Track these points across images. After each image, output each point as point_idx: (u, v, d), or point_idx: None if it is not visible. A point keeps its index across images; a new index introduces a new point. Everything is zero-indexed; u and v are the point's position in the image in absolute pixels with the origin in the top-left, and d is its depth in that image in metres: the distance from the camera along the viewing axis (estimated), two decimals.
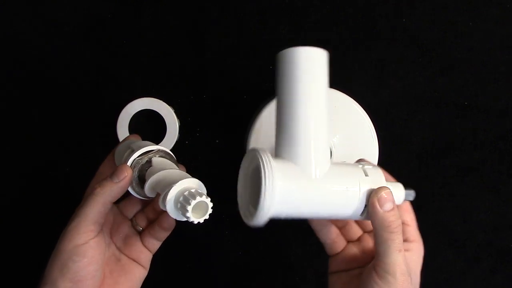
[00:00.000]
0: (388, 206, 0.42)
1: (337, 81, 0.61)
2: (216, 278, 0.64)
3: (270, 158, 0.41)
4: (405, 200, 0.46)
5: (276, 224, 0.64)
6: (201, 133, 0.63)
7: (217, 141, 0.63)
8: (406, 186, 0.63)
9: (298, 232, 0.63)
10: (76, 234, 0.44)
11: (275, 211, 0.41)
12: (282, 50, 0.42)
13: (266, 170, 0.40)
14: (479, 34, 0.62)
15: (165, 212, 0.50)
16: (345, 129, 0.58)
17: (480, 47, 0.62)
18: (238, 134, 0.62)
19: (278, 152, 0.44)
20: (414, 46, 0.62)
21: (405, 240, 0.46)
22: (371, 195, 0.43)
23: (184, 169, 0.52)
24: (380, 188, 0.43)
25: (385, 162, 0.60)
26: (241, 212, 0.45)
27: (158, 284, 0.55)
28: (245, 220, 0.43)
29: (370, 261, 0.46)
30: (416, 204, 0.63)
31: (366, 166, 0.44)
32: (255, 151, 0.42)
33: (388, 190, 0.43)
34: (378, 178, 0.44)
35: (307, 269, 0.63)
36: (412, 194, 0.46)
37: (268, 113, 0.57)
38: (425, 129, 0.62)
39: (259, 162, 0.41)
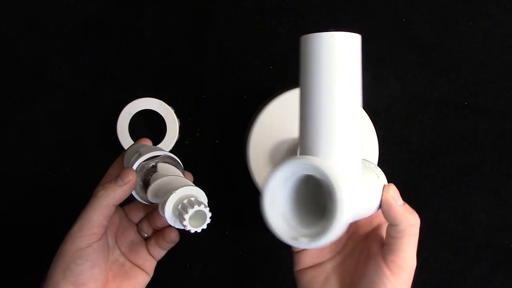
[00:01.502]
0: (401, 201, 0.42)
1: None
2: (216, 278, 0.64)
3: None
4: None
5: None
6: (201, 133, 0.63)
7: (217, 141, 0.63)
8: (406, 186, 0.63)
9: None
10: (79, 237, 0.44)
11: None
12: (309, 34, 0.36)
13: (336, 181, 0.34)
14: (479, 34, 0.62)
15: (168, 225, 0.50)
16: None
17: (480, 47, 0.62)
18: (238, 134, 0.62)
19: (308, 149, 0.37)
20: (414, 46, 0.62)
21: None
22: (384, 192, 0.42)
23: (191, 176, 0.52)
24: (390, 185, 0.43)
25: (385, 162, 0.60)
26: (287, 237, 0.36)
27: (157, 284, 0.55)
28: (299, 245, 0.36)
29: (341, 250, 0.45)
30: (416, 204, 0.63)
31: (372, 165, 0.44)
32: (306, 160, 0.35)
33: (395, 187, 0.43)
34: (383, 176, 0.44)
35: None
36: None
37: (268, 113, 0.57)
38: (425, 129, 0.62)
39: (325, 173, 0.34)
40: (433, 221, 0.63)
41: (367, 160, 0.47)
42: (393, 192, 0.42)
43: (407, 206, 0.42)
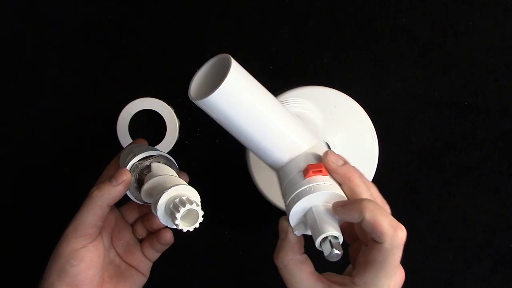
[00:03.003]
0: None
1: (337, 81, 0.61)
2: (216, 278, 0.64)
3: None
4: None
5: (276, 224, 0.64)
6: (201, 133, 0.63)
7: (217, 141, 0.63)
8: (406, 186, 0.63)
9: None
10: (73, 238, 0.44)
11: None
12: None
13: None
14: (479, 34, 0.62)
15: (163, 227, 0.50)
16: (345, 129, 0.58)
17: (480, 47, 0.62)
18: None
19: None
20: (414, 46, 0.62)
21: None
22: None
23: (186, 176, 0.52)
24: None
25: (385, 162, 0.60)
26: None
27: (157, 284, 0.55)
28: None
29: None
30: (416, 204, 0.63)
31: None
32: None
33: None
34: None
35: None
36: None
37: None
38: (425, 129, 0.62)
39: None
40: (433, 221, 0.63)
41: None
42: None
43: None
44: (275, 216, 0.62)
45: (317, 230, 0.39)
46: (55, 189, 0.63)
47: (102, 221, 0.45)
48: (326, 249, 0.38)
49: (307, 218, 0.40)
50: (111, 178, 0.45)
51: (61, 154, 0.63)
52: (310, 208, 0.40)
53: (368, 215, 0.37)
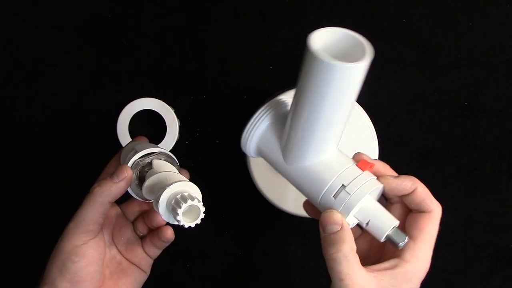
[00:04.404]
0: (331, 228, 0.41)
1: None
2: (216, 278, 0.64)
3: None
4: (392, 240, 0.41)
5: (276, 224, 0.64)
6: (201, 133, 0.63)
7: (217, 141, 0.63)
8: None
9: (298, 232, 0.63)
10: (75, 234, 0.44)
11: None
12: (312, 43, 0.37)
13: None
14: (479, 34, 0.62)
15: (164, 224, 0.50)
16: (345, 129, 0.58)
17: (480, 47, 0.62)
18: (238, 134, 0.62)
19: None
20: (414, 46, 0.62)
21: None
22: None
23: (187, 173, 0.52)
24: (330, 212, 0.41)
25: (385, 162, 0.60)
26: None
27: (157, 284, 0.55)
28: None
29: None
30: None
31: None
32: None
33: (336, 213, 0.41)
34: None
35: (307, 269, 0.63)
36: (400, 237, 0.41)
37: None
38: (425, 129, 0.62)
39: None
40: None
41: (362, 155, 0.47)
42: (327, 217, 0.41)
43: (335, 234, 0.41)
44: (275, 216, 0.63)
45: (384, 222, 0.41)
46: (55, 189, 0.63)
47: (103, 217, 0.45)
48: (400, 236, 0.41)
49: (364, 210, 0.42)
50: (112, 174, 0.45)
51: (61, 154, 0.63)
52: (369, 200, 0.42)
53: (420, 185, 0.42)
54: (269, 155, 0.46)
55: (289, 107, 0.45)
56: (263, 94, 0.60)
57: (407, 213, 0.44)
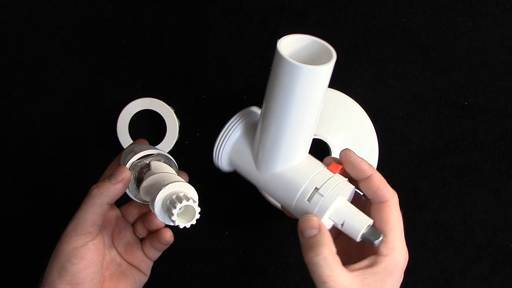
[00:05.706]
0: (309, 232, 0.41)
1: (337, 81, 0.61)
2: (216, 278, 0.64)
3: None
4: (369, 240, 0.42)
5: (276, 224, 0.64)
6: (201, 133, 0.63)
7: None
8: (406, 186, 0.63)
9: (298, 232, 0.63)
10: (74, 236, 0.44)
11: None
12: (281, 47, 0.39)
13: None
14: (479, 34, 0.62)
15: (163, 226, 0.50)
16: (345, 129, 0.58)
17: (480, 47, 0.62)
18: None
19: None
20: (414, 46, 0.62)
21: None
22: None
23: (186, 176, 0.52)
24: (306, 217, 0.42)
25: (385, 162, 0.60)
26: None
27: (157, 284, 0.55)
28: None
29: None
30: (416, 204, 0.63)
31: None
32: None
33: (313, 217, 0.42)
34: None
35: (307, 269, 0.63)
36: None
37: None
38: (425, 129, 0.62)
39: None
40: (433, 221, 0.63)
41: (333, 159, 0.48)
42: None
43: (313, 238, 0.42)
44: (275, 216, 0.63)
45: (359, 221, 0.41)
46: (55, 189, 0.63)
47: (102, 219, 0.45)
48: (375, 234, 0.41)
49: (338, 211, 0.42)
50: (110, 176, 0.45)
51: (61, 154, 0.63)
52: (342, 201, 0.42)
53: (377, 173, 0.43)
54: (241, 165, 0.47)
55: (258, 116, 0.46)
56: (263, 94, 0.60)
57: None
